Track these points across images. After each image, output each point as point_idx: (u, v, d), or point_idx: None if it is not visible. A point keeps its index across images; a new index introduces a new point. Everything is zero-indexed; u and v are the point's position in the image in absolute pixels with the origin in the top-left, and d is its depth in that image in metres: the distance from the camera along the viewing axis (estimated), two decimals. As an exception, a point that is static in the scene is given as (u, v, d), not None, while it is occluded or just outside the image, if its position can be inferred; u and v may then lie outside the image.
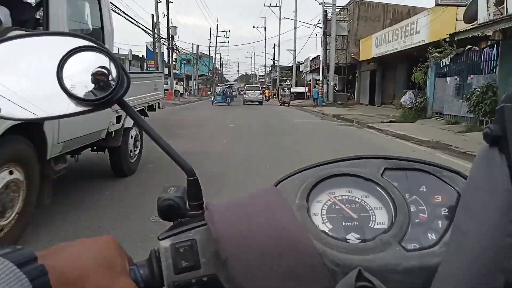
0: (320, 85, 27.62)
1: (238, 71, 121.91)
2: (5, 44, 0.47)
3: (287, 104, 28.40)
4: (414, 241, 0.45)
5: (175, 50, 31.46)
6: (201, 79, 57.29)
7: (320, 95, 26.28)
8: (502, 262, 0.34)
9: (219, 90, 30.02)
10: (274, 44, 61.61)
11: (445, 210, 0.48)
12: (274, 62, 59.68)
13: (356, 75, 28.78)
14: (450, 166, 0.52)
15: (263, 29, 67.75)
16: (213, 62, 63.47)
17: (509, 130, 0.35)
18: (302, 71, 40.94)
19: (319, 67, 29.05)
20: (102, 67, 0.46)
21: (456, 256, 0.39)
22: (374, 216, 0.48)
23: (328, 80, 26.19)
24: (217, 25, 71.78)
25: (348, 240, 0.45)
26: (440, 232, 0.46)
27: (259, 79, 79.14)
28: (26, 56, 0.48)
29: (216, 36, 62.21)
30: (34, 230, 3.04)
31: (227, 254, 0.43)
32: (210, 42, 60.89)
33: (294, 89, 37.12)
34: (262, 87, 40.75)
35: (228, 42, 68.06)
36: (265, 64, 74.57)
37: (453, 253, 0.40)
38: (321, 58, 25.98)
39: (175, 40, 30.57)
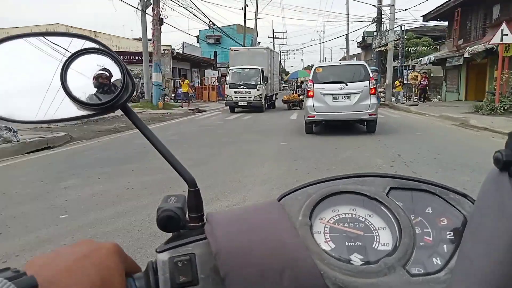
0: None
1: (302, 60, 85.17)
2: (6, 44, 0.45)
3: None
4: (418, 265, 0.44)
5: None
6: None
7: None
8: None
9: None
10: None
11: (450, 233, 0.47)
12: (380, 14, 22.90)
13: None
14: (457, 189, 0.51)
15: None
16: (254, 37, 35.19)
17: None
18: None
19: None
20: (104, 69, 0.45)
21: (462, 284, 0.38)
22: (378, 237, 0.47)
23: None
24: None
25: (351, 261, 0.44)
26: (446, 256, 0.45)
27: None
28: (28, 56, 0.46)
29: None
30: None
31: (227, 270, 0.42)
32: (245, 2, 32.72)
33: None
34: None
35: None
36: (347, 35, 33.65)
37: (459, 281, 0.39)
38: None
39: None
